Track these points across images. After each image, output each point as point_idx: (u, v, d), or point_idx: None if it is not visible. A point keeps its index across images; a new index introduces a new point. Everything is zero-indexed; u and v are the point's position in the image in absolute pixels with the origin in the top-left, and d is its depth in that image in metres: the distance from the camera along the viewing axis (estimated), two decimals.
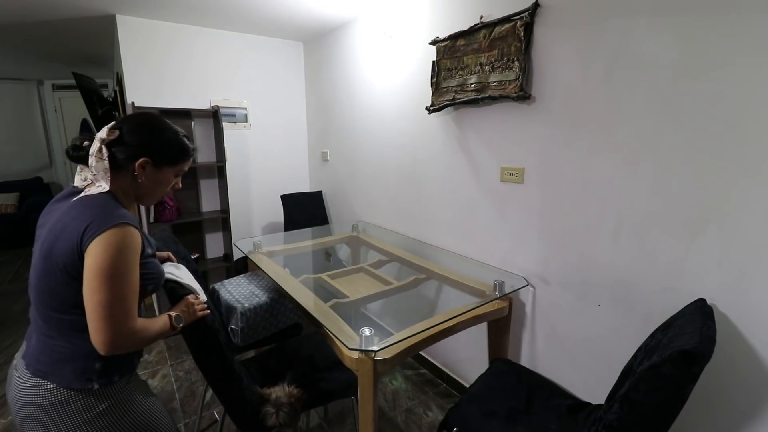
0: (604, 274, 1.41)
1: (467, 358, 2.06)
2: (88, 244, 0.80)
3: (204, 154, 2.97)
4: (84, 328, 0.83)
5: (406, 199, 2.35)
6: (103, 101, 3.63)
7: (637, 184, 1.28)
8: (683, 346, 0.82)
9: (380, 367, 1.25)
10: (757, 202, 1.04)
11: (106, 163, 0.89)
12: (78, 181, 0.93)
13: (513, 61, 1.55)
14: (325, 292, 1.81)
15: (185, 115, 2.83)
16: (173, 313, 1.00)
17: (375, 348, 1.22)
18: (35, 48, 3.42)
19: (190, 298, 1.10)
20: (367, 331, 1.23)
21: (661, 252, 1.24)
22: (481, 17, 1.67)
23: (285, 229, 2.98)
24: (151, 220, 2.65)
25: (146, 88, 2.66)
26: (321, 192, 3.24)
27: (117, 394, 0.92)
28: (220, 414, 1.95)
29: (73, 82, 3.48)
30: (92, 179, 0.91)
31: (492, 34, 1.62)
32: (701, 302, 1.11)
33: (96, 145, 0.89)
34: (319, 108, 3.17)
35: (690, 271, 1.19)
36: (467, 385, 2.02)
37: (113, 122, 0.94)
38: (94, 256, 0.80)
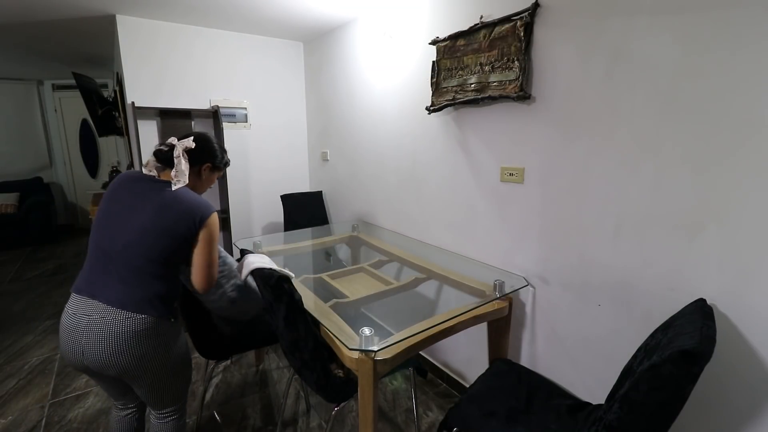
0: (604, 274, 1.41)
1: (467, 358, 2.06)
2: (203, 223, 1.21)
3: None
4: (173, 277, 1.24)
5: (406, 199, 2.35)
6: (103, 101, 3.63)
7: (637, 184, 1.28)
8: (683, 346, 0.82)
9: (380, 367, 1.25)
10: (757, 202, 1.04)
11: (186, 163, 1.28)
12: (145, 171, 1.29)
13: (513, 61, 1.55)
14: (325, 292, 1.81)
15: (185, 115, 2.83)
16: None
17: (375, 348, 1.22)
18: (35, 48, 3.42)
19: None
20: (367, 331, 1.23)
21: (661, 252, 1.24)
22: (481, 17, 1.67)
23: (285, 229, 2.98)
24: None
25: (146, 88, 2.66)
26: (321, 192, 3.24)
27: (178, 326, 1.28)
28: (220, 414, 1.95)
29: (73, 82, 3.48)
30: (174, 174, 1.26)
31: (492, 34, 1.62)
32: (701, 302, 1.11)
33: (178, 150, 1.27)
34: (319, 108, 3.17)
35: (690, 271, 1.19)
36: (467, 385, 2.03)
37: (190, 136, 1.32)
38: (208, 229, 1.22)
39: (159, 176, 1.27)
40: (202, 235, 1.21)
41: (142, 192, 1.23)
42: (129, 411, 1.41)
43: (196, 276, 1.23)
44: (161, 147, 1.30)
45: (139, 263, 1.16)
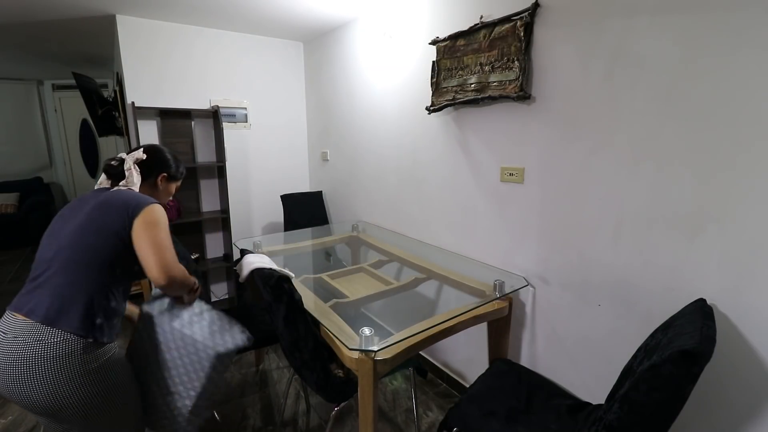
0: (604, 274, 1.41)
1: (467, 358, 2.06)
2: (138, 212, 1.09)
3: (204, 154, 2.97)
4: (102, 285, 1.07)
5: (406, 199, 2.35)
6: (103, 101, 3.63)
7: (637, 184, 1.28)
8: (683, 346, 0.82)
9: (380, 367, 1.25)
10: (758, 201, 1.04)
11: (138, 175, 1.25)
12: (98, 185, 1.26)
13: (513, 61, 1.55)
14: (325, 292, 1.81)
15: (185, 115, 2.83)
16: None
17: (375, 348, 1.22)
18: (35, 48, 3.42)
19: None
20: (367, 331, 1.23)
21: (661, 252, 1.24)
22: (481, 17, 1.67)
23: (285, 229, 2.98)
24: None
25: (146, 88, 2.66)
26: (321, 192, 3.24)
27: (102, 352, 1.06)
28: (220, 414, 1.95)
29: (73, 82, 3.48)
30: (125, 185, 1.22)
31: (492, 34, 1.62)
32: (701, 302, 1.11)
33: (128, 163, 1.25)
34: (319, 108, 3.17)
35: (690, 271, 1.19)
36: (467, 385, 2.03)
37: (139, 149, 1.30)
38: (144, 217, 1.09)
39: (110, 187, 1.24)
40: (137, 223, 1.08)
41: (84, 201, 1.17)
42: None
43: (149, 267, 1.07)
44: (110, 161, 1.26)
45: (70, 270, 1.05)
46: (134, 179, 1.23)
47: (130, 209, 1.10)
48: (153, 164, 1.31)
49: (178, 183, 1.42)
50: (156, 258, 1.07)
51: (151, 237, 1.08)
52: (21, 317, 1.00)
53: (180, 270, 1.13)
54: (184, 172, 1.44)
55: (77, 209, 1.15)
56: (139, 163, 1.27)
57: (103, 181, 1.27)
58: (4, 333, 0.99)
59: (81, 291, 1.04)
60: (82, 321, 1.01)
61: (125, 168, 1.24)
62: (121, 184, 1.22)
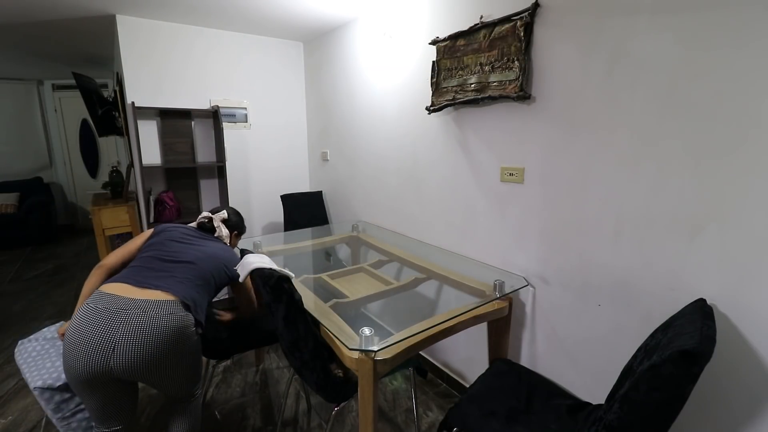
0: (604, 274, 1.41)
1: (467, 358, 2.06)
2: (239, 275, 1.54)
3: (204, 154, 2.97)
4: (209, 297, 1.47)
5: (406, 199, 2.35)
6: (103, 101, 3.63)
7: (637, 184, 1.28)
8: (683, 346, 0.82)
9: (380, 367, 1.25)
10: (758, 201, 1.04)
11: (227, 230, 1.76)
12: (195, 224, 1.74)
13: (513, 61, 1.55)
14: (325, 292, 1.81)
15: (185, 115, 2.83)
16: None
17: (375, 348, 1.22)
18: (35, 48, 3.42)
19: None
20: (367, 331, 1.23)
21: (661, 252, 1.24)
22: (481, 17, 1.67)
23: (285, 229, 2.98)
24: (152, 219, 2.65)
25: (146, 88, 2.66)
26: (321, 192, 3.24)
27: (198, 339, 1.36)
28: (220, 413, 1.95)
29: (73, 82, 3.47)
30: (218, 236, 1.71)
31: (492, 34, 1.62)
32: (701, 302, 1.11)
33: (216, 221, 1.73)
34: (319, 108, 3.17)
35: (690, 271, 1.19)
36: (467, 385, 2.03)
37: (222, 210, 1.78)
38: (245, 280, 1.55)
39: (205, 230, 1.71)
40: (246, 282, 1.62)
41: (201, 235, 1.65)
42: None
43: (249, 300, 1.73)
44: (203, 220, 1.73)
45: (202, 276, 1.43)
46: (224, 232, 1.73)
47: (234, 273, 1.55)
48: (230, 223, 1.79)
49: (240, 238, 1.92)
50: (248, 303, 1.74)
51: (247, 292, 1.70)
52: (145, 294, 1.23)
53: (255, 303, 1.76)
54: (245, 229, 1.92)
55: (200, 238, 1.62)
56: (223, 221, 1.75)
57: (193, 225, 1.72)
58: (125, 310, 1.18)
59: (205, 295, 1.42)
60: (200, 316, 1.34)
61: (215, 225, 1.72)
62: (217, 235, 1.71)
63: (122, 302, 1.19)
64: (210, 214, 1.73)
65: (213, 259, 1.51)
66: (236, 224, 1.83)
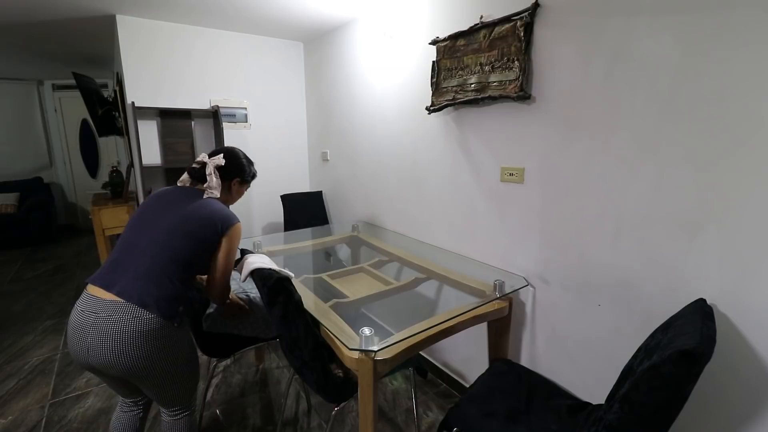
0: (604, 274, 1.41)
1: (467, 358, 2.06)
2: (226, 232, 1.30)
3: None
4: (185, 280, 1.25)
5: (406, 199, 2.35)
6: (103, 101, 3.63)
7: (637, 184, 1.28)
8: (683, 346, 0.82)
9: (380, 367, 1.25)
10: (758, 201, 1.04)
11: (218, 180, 1.40)
12: (180, 183, 1.44)
13: (513, 61, 1.55)
14: (325, 292, 1.81)
15: (185, 115, 2.83)
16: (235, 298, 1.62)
17: (375, 348, 1.22)
18: (35, 48, 3.42)
19: (236, 299, 1.64)
20: (367, 331, 1.23)
21: (661, 252, 1.24)
22: (481, 17, 1.67)
23: (285, 229, 2.98)
24: None
25: (146, 88, 2.66)
26: (321, 192, 3.24)
27: (182, 332, 1.26)
28: (221, 413, 1.95)
29: (73, 82, 3.48)
30: (207, 187, 1.39)
31: (492, 34, 1.62)
32: (701, 302, 1.11)
33: (210, 167, 1.39)
34: (319, 108, 3.17)
35: (690, 271, 1.19)
36: (467, 385, 2.03)
37: (220, 153, 1.43)
38: (227, 240, 1.30)
39: (194, 186, 1.42)
40: (223, 243, 1.30)
41: (175, 198, 1.34)
42: (135, 410, 1.40)
43: (212, 281, 1.34)
44: (194, 165, 1.43)
45: (160, 262, 1.21)
46: (214, 183, 1.39)
47: (220, 227, 1.30)
48: (230, 169, 1.45)
49: (249, 185, 1.57)
50: (220, 280, 1.34)
51: (222, 264, 1.32)
52: (111, 296, 1.14)
53: (225, 291, 1.43)
54: (255, 174, 1.57)
55: (169, 204, 1.32)
56: (218, 167, 1.41)
57: (185, 180, 1.43)
58: (96, 313, 1.13)
59: (171, 283, 1.21)
60: (168, 308, 1.19)
61: (207, 173, 1.39)
62: (205, 186, 1.40)
63: (93, 305, 1.15)
64: (205, 159, 1.42)
65: (184, 227, 1.25)
66: (236, 170, 1.46)
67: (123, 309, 1.13)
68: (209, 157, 1.42)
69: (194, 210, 1.29)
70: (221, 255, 1.31)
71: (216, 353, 1.75)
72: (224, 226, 1.30)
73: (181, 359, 1.26)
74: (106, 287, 1.16)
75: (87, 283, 1.20)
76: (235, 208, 3.15)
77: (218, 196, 1.39)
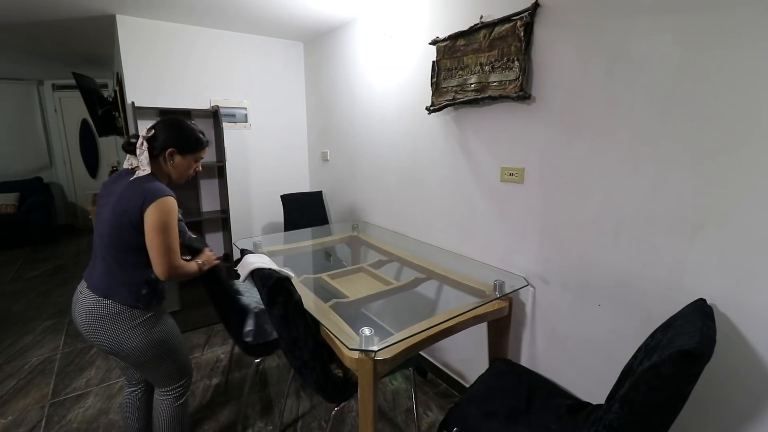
0: (604, 274, 1.41)
1: (467, 358, 2.06)
2: (146, 209, 1.19)
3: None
4: (138, 264, 1.25)
5: (406, 199, 2.35)
6: (103, 101, 3.63)
7: (637, 184, 1.28)
8: (683, 346, 0.82)
9: (380, 367, 1.25)
10: (758, 201, 1.04)
11: (146, 153, 1.27)
12: (126, 165, 1.34)
13: (513, 61, 1.55)
14: (325, 292, 1.81)
15: (185, 115, 2.83)
16: (200, 261, 1.45)
17: (375, 348, 1.22)
18: (35, 48, 3.42)
19: (207, 251, 1.52)
20: (367, 331, 1.23)
21: (661, 252, 1.24)
22: (481, 17, 1.67)
23: (285, 229, 2.98)
24: None
25: (146, 88, 2.66)
26: (321, 192, 3.24)
27: (151, 313, 1.31)
28: (220, 414, 1.95)
29: (73, 82, 3.48)
30: (138, 165, 1.28)
31: (492, 34, 1.62)
32: (701, 302, 1.11)
33: (139, 140, 1.27)
34: (319, 108, 3.17)
35: (690, 271, 1.19)
36: (467, 385, 2.03)
37: (152, 125, 1.32)
38: (150, 217, 1.19)
39: (133, 167, 1.31)
40: (146, 220, 1.19)
41: (111, 188, 1.30)
42: (132, 389, 1.51)
43: (155, 266, 1.23)
44: (130, 138, 1.32)
45: (110, 253, 1.25)
46: (142, 157, 1.26)
47: (140, 204, 1.19)
48: (160, 140, 1.31)
49: (195, 155, 1.40)
50: (160, 260, 1.23)
51: (156, 238, 1.20)
52: (87, 290, 1.27)
53: (179, 267, 1.29)
54: (202, 141, 1.41)
55: (108, 195, 1.29)
56: (148, 139, 1.29)
57: (129, 158, 1.33)
58: (79, 293, 1.29)
59: (125, 270, 1.25)
60: (130, 295, 1.25)
61: (137, 145, 1.27)
62: (132, 163, 1.30)
63: (79, 294, 1.30)
64: (142, 133, 1.30)
65: (110, 217, 1.23)
66: (169, 139, 1.31)
67: (93, 298, 1.25)
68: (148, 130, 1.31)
69: (119, 195, 1.23)
70: (148, 232, 1.19)
71: (260, 354, 1.77)
72: (143, 202, 1.19)
73: (155, 341, 1.31)
74: (86, 280, 1.30)
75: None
76: (234, 208, 3.14)
77: (148, 171, 1.26)
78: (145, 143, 1.27)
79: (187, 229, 1.48)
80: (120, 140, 5.06)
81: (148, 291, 1.28)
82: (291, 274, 1.44)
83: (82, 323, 1.26)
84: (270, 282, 1.32)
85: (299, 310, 1.36)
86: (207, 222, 3.05)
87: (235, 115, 3.03)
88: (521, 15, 1.50)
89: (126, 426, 1.52)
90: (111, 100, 3.72)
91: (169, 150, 1.32)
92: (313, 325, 1.39)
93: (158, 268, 1.23)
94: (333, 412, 1.55)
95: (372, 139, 2.57)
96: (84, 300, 1.26)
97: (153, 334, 1.30)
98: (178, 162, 1.35)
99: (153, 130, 1.30)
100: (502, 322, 1.70)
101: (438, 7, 1.92)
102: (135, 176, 1.26)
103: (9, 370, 2.33)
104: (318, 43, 3.04)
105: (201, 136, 1.43)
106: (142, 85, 2.64)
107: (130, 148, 1.30)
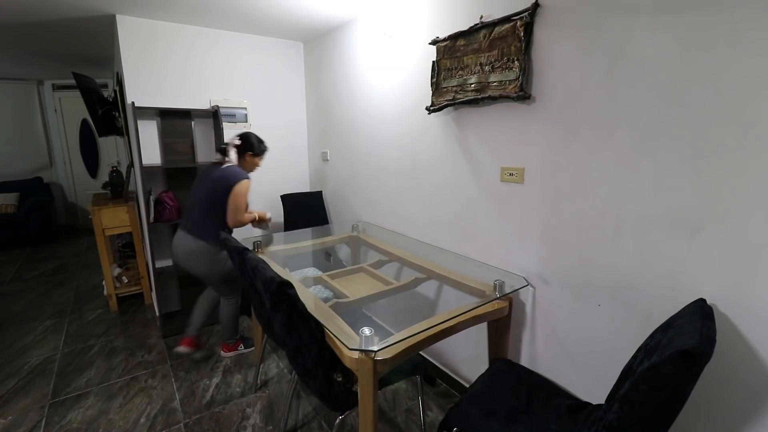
0: (605, 274, 1.41)
1: (467, 358, 2.06)
2: (236, 183, 2.08)
3: (204, 154, 2.97)
4: (220, 217, 2.12)
5: (406, 199, 2.35)
6: (103, 101, 3.62)
7: (637, 184, 1.28)
8: (683, 346, 0.82)
9: (380, 367, 1.25)
10: (758, 201, 1.04)
11: (235, 153, 2.19)
12: (214, 159, 2.23)
13: (513, 61, 1.55)
14: (325, 293, 1.81)
15: (185, 115, 2.83)
16: (255, 215, 2.28)
17: (375, 348, 1.22)
18: (35, 48, 3.42)
19: (261, 212, 2.35)
20: (367, 331, 1.23)
21: (661, 252, 1.24)
22: (481, 17, 1.67)
23: (285, 229, 2.98)
24: (151, 219, 2.65)
25: (146, 88, 2.65)
26: (321, 192, 3.24)
27: (225, 253, 2.12)
28: (221, 414, 1.95)
29: (73, 82, 3.47)
30: (229, 160, 2.16)
31: (492, 34, 1.62)
32: (701, 302, 1.11)
33: (231, 146, 2.18)
34: (319, 108, 3.17)
35: (690, 271, 1.19)
36: (467, 385, 2.03)
37: (238, 136, 2.22)
38: (236, 187, 2.08)
39: (220, 161, 2.18)
40: (233, 189, 2.07)
41: (208, 172, 2.17)
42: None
43: (228, 215, 2.10)
44: (222, 146, 2.20)
45: (204, 211, 2.11)
46: (231, 156, 2.16)
47: (231, 181, 2.07)
48: (242, 146, 2.21)
49: (261, 157, 2.29)
50: (231, 215, 2.11)
51: (233, 203, 2.08)
52: (185, 233, 2.13)
53: (242, 220, 2.14)
54: (266, 149, 2.30)
55: (207, 174, 2.16)
56: (235, 145, 2.18)
57: (217, 156, 2.20)
58: (179, 239, 2.16)
59: (213, 223, 2.10)
60: (215, 238, 2.08)
61: (229, 149, 2.16)
62: (226, 159, 2.15)
63: (179, 236, 2.17)
64: (231, 141, 2.19)
65: (210, 188, 2.10)
66: (247, 146, 2.20)
67: (191, 239, 2.10)
68: (231, 140, 2.21)
69: (221, 173, 2.10)
70: (231, 199, 2.07)
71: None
72: (233, 180, 2.07)
73: (222, 269, 2.17)
74: (183, 227, 2.16)
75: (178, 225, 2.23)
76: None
77: (235, 163, 2.16)
78: (234, 148, 2.17)
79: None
80: (120, 140, 5.07)
81: (224, 235, 1.86)
82: (269, 215, 2.33)
83: (185, 260, 2.14)
84: (272, 287, 1.31)
85: (303, 318, 1.34)
86: None
87: (235, 115, 3.03)
88: (521, 15, 1.50)
89: (197, 313, 2.36)
90: (111, 100, 3.71)
91: (248, 153, 2.22)
92: (318, 332, 1.38)
93: (230, 218, 2.10)
94: (337, 421, 1.55)
95: (372, 139, 2.57)
96: (185, 241, 2.11)
97: (227, 265, 2.16)
98: (251, 160, 2.25)
99: (239, 141, 2.18)
100: (502, 322, 1.70)
101: (438, 7, 1.92)
102: (229, 165, 2.13)
103: (9, 370, 2.33)
104: (318, 43, 3.04)
105: (265, 146, 2.29)
106: (142, 85, 2.64)
107: (222, 150, 2.18)
